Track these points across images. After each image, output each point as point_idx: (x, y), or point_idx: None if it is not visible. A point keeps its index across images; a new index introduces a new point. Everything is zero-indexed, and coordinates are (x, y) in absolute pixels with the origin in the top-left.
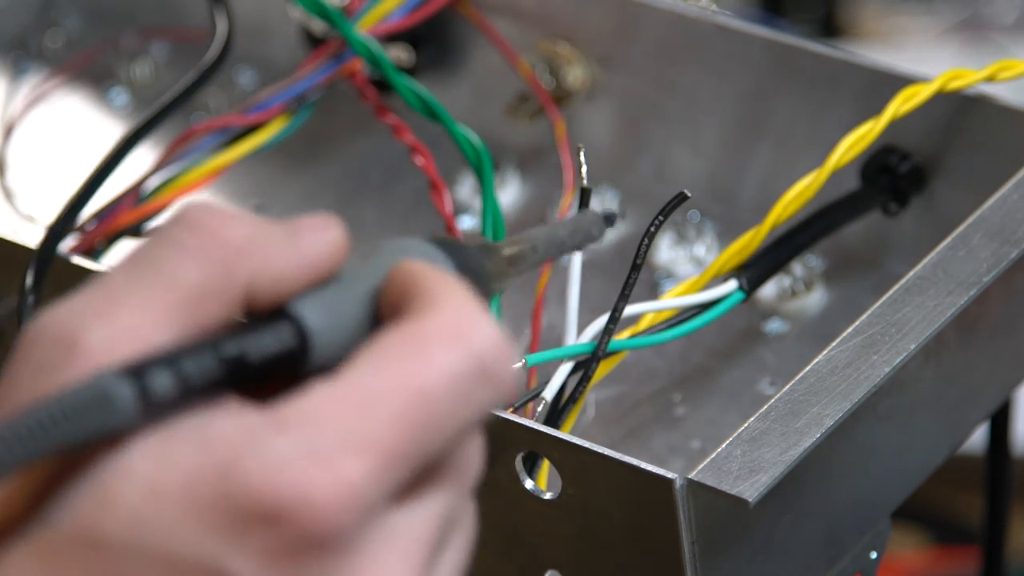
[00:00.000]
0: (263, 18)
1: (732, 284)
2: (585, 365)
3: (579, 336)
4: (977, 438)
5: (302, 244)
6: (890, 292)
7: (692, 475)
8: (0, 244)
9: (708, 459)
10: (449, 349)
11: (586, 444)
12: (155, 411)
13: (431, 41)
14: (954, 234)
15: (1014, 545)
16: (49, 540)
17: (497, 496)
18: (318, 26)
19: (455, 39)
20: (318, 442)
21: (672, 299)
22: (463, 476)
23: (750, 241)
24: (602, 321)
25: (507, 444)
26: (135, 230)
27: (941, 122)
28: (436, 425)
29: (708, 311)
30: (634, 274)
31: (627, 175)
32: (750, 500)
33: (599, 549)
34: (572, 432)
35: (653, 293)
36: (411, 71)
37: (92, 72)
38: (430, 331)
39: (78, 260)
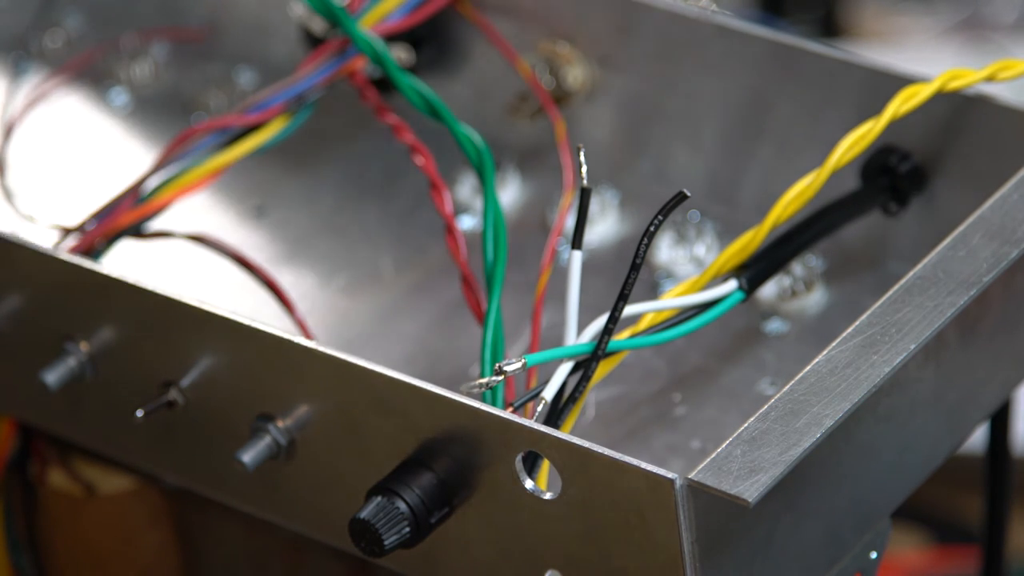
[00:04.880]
0: (263, 18)
1: (732, 284)
2: (585, 365)
3: (579, 336)
4: (977, 438)
5: None
6: (890, 292)
7: (692, 475)
8: (0, 244)
9: (708, 459)
10: None
11: (586, 444)
12: None
13: (431, 41)
14: (954, 234)
15: (1014, 545)
16: None
17: (497, 496)
18: (318, 25)
19: (455, 39)
20: None
21: (672, 299)
22: None
23: (750, 241)
24: (602, 321)
25: (507, 444)
26: (135, 230)
27: (941, 122)
28: None
29: (708, 311)
30: (634, 274)
31: (627, 175)
32: (750, 500)
33: (599, 549)
34: (572, 432)
35: (653, 293)
36: (411, 71)
37: (92, 72)
38: None
39: (78, 260)
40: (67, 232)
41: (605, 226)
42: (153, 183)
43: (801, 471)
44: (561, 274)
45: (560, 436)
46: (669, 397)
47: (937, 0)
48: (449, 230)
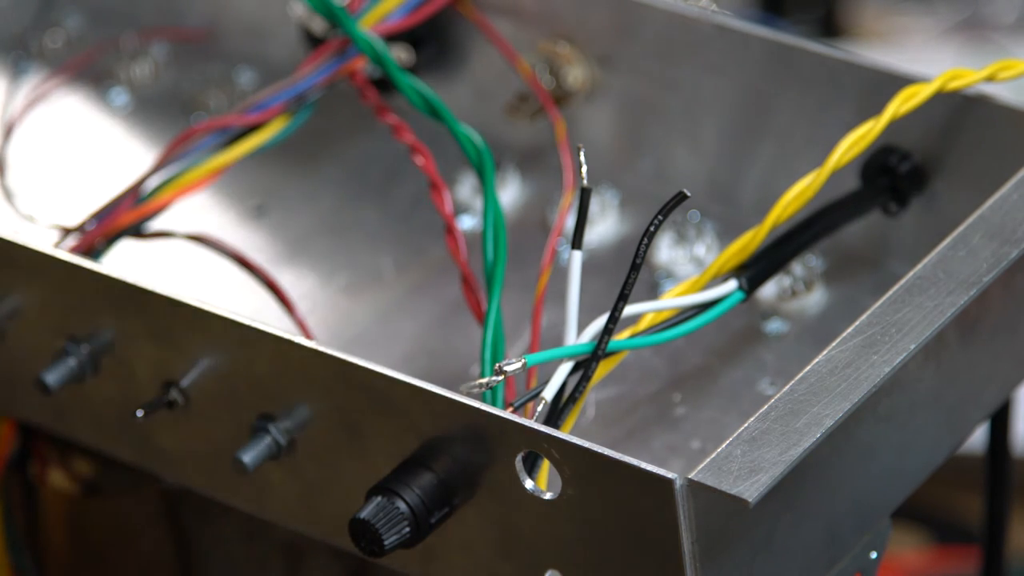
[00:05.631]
0: (263, 18)
1: (732, 284)
2: (585, 365)
3: (579, 336)
4: (977, 438)
5: None
6: (890, 292)
7: (692, 475)
8: (0, 244)
9: (708, 459)
10: None
11: (586, 444)
12: None
13: (431, 41)
14: (954, 234)
15: (1014, 545)
16: None
17: (497, 496)
18: (318, 26)
19: (455, 39)
20: None
21: (672, 299)
22: None
23: (750, 241)
24: (602, 321)
25: (507, 444)
26: (135, 230)
27: (941, 122)
28: None
29: (708, 311)
30: (634, 274)
31: (627, 175)
32: (750, 500)
33: (599, 549)
34: (572, 432)
35: (653, 293)
36: (411, 71)
37: (92, 72)
38: None
39: (78, 260)
40: (67, 232)
41: (605, 226)
42: (153, 183)
43: (801, 471)
44: (561, 274)
45: (560, 436)
46: (669, 397)
47: (937, 0)
48: (449, 230)
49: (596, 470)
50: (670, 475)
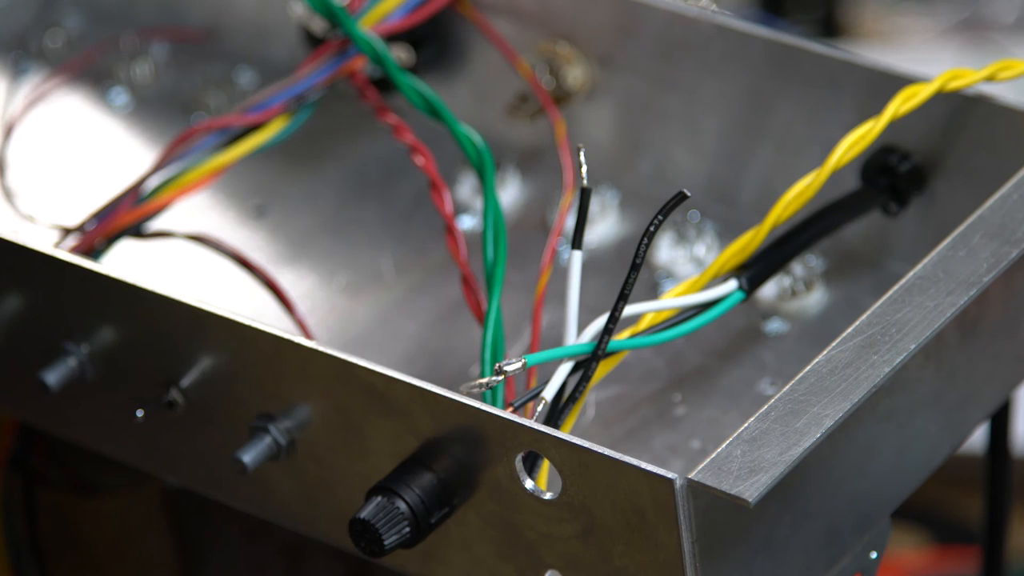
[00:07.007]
0: (263, 18)
1: (732, 284)
2: (585, 365)
3: (579, 336)
4: (977, 438)
5: None
6: (890, 292)
7: (692, 475)
8: (0, 244)
9: (708, 459)
10: None
11: (586, 444)
12: None
13: (431, 41)
14: (954, 234)
15: (1014, 545)
16: None
17: (497, 496)
18: (318, 26)
19: (455, 39)
20: None
21: (672, 299)
22: None
23: (750, 241)
24: (602, 321)
25: (507, 444)
26: (135, 230)
27: (941, 122)
28: None
29: (708, 311)
30: (634, 274)
31: (627, 175)
32: (750, 500)
33: (599, 549)
34: (572, 432)
35: (653, 293)
36: (411, 71)
37: (92, 72)
38: None
39: (78, 260)
40: (67, 232)
41: (605, 226)
42: (153, 183)
43: (801, 471)
44: (561, 274)
45: (560, 436)
46: (669, 397)
47: (937, 0)
48: (449, 230)
49: (596, 470)
50: (670, 475)
